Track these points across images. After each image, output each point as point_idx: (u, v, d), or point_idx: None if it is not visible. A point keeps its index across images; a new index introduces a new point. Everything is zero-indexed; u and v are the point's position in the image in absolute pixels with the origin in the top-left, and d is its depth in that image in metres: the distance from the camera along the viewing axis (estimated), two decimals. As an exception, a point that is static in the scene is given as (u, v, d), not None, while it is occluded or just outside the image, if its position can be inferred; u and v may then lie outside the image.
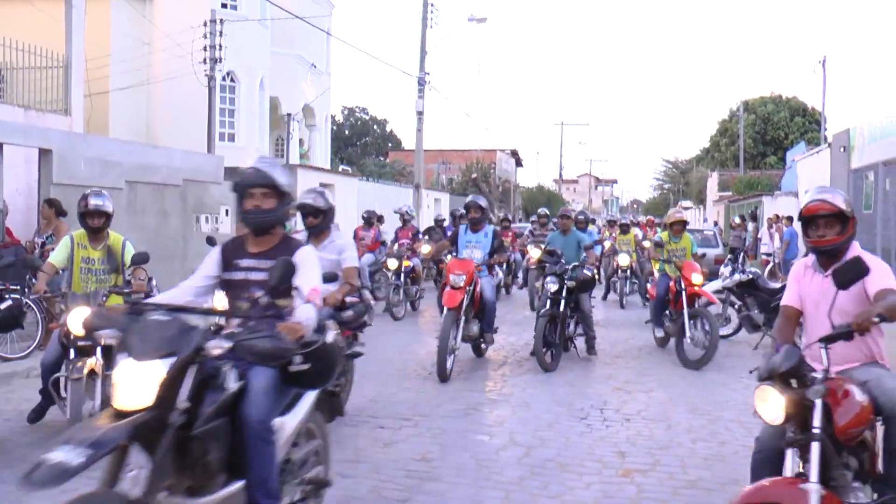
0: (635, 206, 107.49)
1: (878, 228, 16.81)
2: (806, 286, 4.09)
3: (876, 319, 3.52)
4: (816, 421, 3.37)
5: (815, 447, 3.34)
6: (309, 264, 3.91)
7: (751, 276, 10.81)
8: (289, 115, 24.03)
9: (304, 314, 3.72)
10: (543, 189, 66.15)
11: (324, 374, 3.81)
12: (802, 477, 3.38)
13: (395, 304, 13.12)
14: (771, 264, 20.33)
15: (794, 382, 3.43)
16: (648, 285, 12.53)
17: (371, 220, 15.84)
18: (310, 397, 3.98)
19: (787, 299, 4.17)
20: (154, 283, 8.27)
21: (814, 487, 3.24)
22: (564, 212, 11.34)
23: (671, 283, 10.13)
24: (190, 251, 13.74)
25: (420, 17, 24.48)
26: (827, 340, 3.60)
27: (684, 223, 10.82)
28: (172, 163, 13.71)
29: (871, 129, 17.73)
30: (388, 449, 5.96)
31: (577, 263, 9.89)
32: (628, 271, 15.60)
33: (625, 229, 16.77)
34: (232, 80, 23.19)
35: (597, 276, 11.23)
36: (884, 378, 3.83)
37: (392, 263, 13.46)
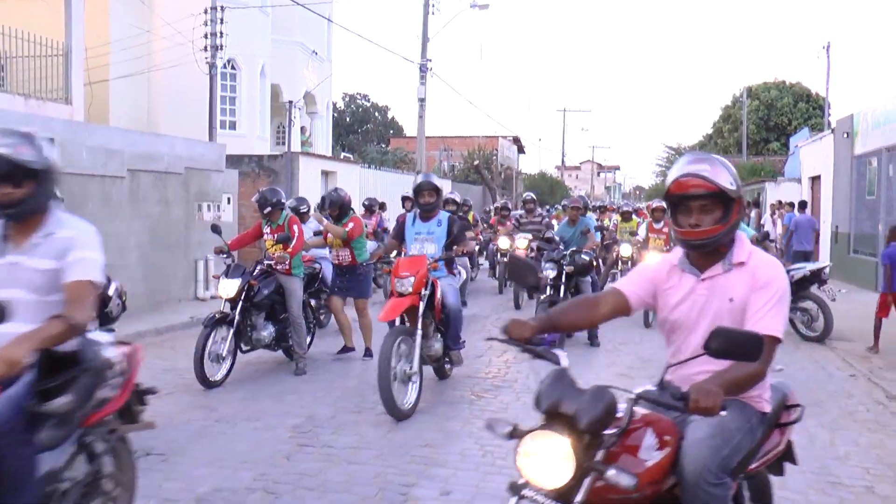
0: (638, 192, 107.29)
1: (882, 215, 16.75)
2: (671, 292, 3.04)
3: (723, 413, 2.52)
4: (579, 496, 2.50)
5: None
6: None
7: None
8: (290, 102, 23.94)
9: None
10: (546, 176, 65.95)
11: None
12: None
13: None
14: (774, 251, 20.34)
15: (586, 437, 2.53)
16: None
17: (372, 207, 15.85)
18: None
19: (621, 284, 3.18)
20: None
21: None
22: (575, 202, 11.31)
23: None
24: (192, 239, 13.74)
25: (422, 4, 24.39)
26: (651, 401, 2.76)
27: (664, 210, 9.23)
28: (174, 151, 13.69)
29: (875, 114, 17.64)
30: (393, 435, 5.98)
31: (574, 249, 9.91)
32: (629, 263, 13.49)
33: (626, 216, 15.51)
34: (233, 67, 23.11)
35: (595, 263, 11.10)
36: (699, 433, 2.81)
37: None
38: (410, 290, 6.76)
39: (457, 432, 6.07)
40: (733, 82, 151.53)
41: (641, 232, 12.95)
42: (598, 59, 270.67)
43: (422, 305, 6.82)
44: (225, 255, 8.34)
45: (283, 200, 8.50)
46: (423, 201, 7.51)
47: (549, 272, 9.56)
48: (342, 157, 31.15)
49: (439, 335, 7.34)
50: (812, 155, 23.81)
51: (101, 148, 11.87)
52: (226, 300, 7.78)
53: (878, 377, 8.23)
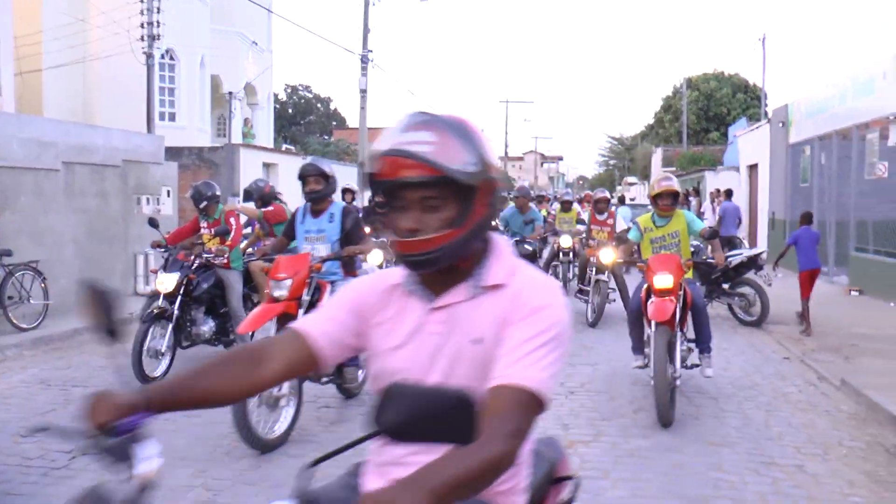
0: (581, 182, 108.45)
1: (815, 202, 17.23)
2: (388, 328, 1.90)
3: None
4: None
5: None
6: None
7: (692, 250, 10.95)
8: (230, 93, 23.61)
9: None
10: (490, 166, 66.18)
11: None
12: None
13: None
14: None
15: None
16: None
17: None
18: None
19: (305, 323, 1.95)
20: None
21: None
22: (522, 190, 11.37)
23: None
24: (131, 233, 13.46)
25: (363, -6, 24.20)
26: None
27: (675, 195, 7.13)
28: (111, 143, 13.39)
29: (808, 104, 18.12)
30: (334, 428, 5.95)
31: (517, 238, 9.96)
32: (570, 254, 13.06)
33: (566, 206, 14.45)
34: (171, 58, 22.69)
35: (538, 255, 11.13)
36: None
37: None
38: (286, 294, 5.77)
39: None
40: (674, 73, 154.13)
41: (586, 220, 12.88)
42: (540, 50, 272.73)
43: (301, 313, 5.62)
44: (162, 250, 8.20)
45: (217, 194, 8.38)
46: (309, 189, 6.20)
47: None
48: (284, 148, 30.82)
49: None
50: (749, 144, 24.37)
51: (33, 140, 11.55)
52: (164, 295, 7.64)
53: (810, 359, 8.47)
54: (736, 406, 6.65)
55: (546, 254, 14.31)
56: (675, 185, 7.10)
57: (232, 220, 8.22)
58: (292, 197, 18.55)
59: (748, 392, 7.14)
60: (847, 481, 4.91)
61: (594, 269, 10.85)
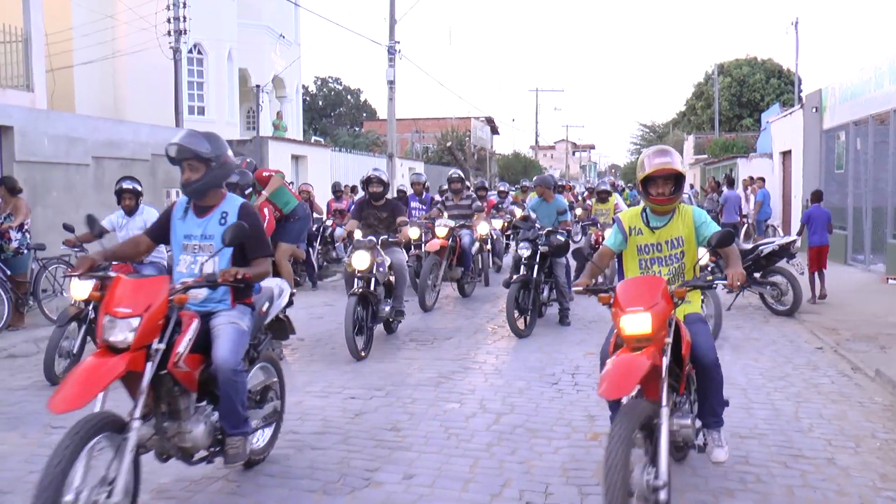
0: (613, 170, 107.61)
1: (850, 188, 16.91)
2: None
3: None
4: None
5: None
6: None
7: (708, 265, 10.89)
8: (258, 86, 23.71)
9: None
10: (520, 156, 66.01)
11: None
12: None
13: None
14: (746, 225, 20.50)
15: None
16: None
17: (337, 190, 15.92)
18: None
19: None
20: None
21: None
22: (540, 179, 11.25)
23: None
24: (160, 227, 13.58)
25: (389, -15, 24.12)
26: None
27: (678, 178, 6.67)
28: (139, 137, 13.51)
29: (843, 89, 17.75)
30: (359, 419, 5.95)
31: (550, 228, 9.88)
32: None
33: (603, 197, 13.82)
34: (199, 52, 22.83)
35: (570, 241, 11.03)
36: None
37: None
38: (131, 339, 3.75)
39: (422, 415, 6.04)
40: (705, 59, 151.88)
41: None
42: (571, 38, 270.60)
43: (148, 369, 3.83)
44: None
45: (243, 183, 8.44)
46: (185, 178, 4.47)
47: (524, 251, 9.54)
48: (312, 140, 30.92)
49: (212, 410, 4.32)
50: (782, 130, 23.94)
51: (63, 136, 11.69)
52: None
53: (844, 349, 8.30)
54: (765, 397, 6.53)
55: (583, 242, 14.16)
56: (677, 162, 4.51)
57: (265, 210, 8.33)
58: (322, 191, 18.62)
59: (778, 383, 7.01)
60: (879, 475, 4.79)
61: None
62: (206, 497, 4.48)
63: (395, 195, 14.62)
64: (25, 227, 9.62)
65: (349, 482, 4.69)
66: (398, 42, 22.97)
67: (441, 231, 11.28)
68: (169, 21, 18.87)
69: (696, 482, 4.65)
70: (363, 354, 7.94)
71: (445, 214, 12.03)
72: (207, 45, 22.80)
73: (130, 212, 8.12)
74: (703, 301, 5.41)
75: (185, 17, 18.90)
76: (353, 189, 17.68)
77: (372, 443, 5.38)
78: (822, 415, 6.04)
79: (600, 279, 6.27)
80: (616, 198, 14.26)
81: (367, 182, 9.14)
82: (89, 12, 19.65)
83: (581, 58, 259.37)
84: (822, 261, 11.45)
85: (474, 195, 12.87)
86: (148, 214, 8.05)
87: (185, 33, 19.00)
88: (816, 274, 11.46)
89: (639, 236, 4.66)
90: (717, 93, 46.42)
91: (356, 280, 8.24)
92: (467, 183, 13.90)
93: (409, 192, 13.85)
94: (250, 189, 9.76)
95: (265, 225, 8.00)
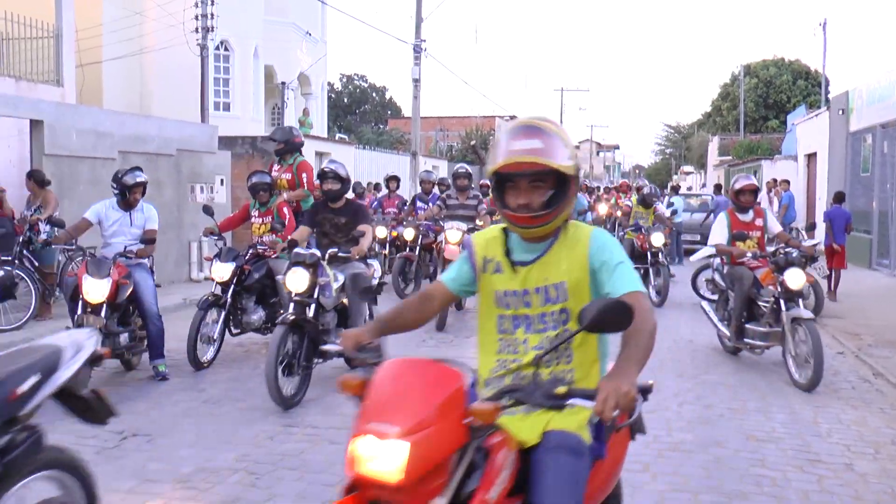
0: (637, 171, 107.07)
1: (876, 191, 16.74)
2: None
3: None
4: None
5: None
6: None
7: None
8: (283, 83, 23.87)
9: None
10: (544, 155, 65.73)
11: None
12: None
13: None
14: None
15: None
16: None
17: (357, 189, 16.03)
18: None
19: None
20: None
21: None
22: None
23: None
24: (185, 221, 13.73)
25: (416, -17, 24.20)
26: None
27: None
28: (165, 133, 13.66)
29: (870, 91, 17.58)
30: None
31: None
32: (661, 254, 11.63)
33: (649, 201, 12.67)
34: (226, 48, 23.03)
35: None
36: None
37: (380, 232, 13.17)
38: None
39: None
40: (732, 60, 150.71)
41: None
42: (595, 37, 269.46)
43: None
44: (216, 237, 8.31)
45: (269, 182, 8.50)
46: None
47: None
48: (336, 137, 31.07)
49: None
50: (808, 132, 23.75)
51: (91, 130, 11.85)
52: (217, 283, 7.77)
53: (866, 354, 8.25)
54: (783, 401, 6.51)
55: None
56: (556, 148, 2.63)
57: (285, 209, 8.35)
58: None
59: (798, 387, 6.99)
60: (897, 480, 4.78)
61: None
62: (226, 488, 4.56)
63: (420, 191, 14.09)
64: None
65: (367, 477, 4.74)
66: (424, 40, 23.03)
67: (454, 236, 10.24)
68: (196, 18, 19.05)
69: (710, 484, 4.66)
70: (294, 401, 6.18)
71: (443, 213, 11.02)
72: (234, 41, 23.00)
73: (129, 206, 7.24)
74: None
75: (212, 15, 19.08)
76: (377, 186, 17.76)
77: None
78: (842, 420, 6.02)
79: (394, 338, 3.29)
80: (660, 207, 13.22)
81: (320, 177, 7.26)
82: (119, 9, 19.89)
83: (607, 57, 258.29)
84: (838, 260, 11.71)
85: (480, 195, 11.44)
86: (149, 212, 7.31)
87: (213, 30, 19.18)
88: (832, 272, 11.80)
89: (495, 276, 2.69)
90: (743, 94, 46.05)
91: (291, 304, 6.51)
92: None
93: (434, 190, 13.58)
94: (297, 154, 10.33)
95: (286, 223, 8.12)
